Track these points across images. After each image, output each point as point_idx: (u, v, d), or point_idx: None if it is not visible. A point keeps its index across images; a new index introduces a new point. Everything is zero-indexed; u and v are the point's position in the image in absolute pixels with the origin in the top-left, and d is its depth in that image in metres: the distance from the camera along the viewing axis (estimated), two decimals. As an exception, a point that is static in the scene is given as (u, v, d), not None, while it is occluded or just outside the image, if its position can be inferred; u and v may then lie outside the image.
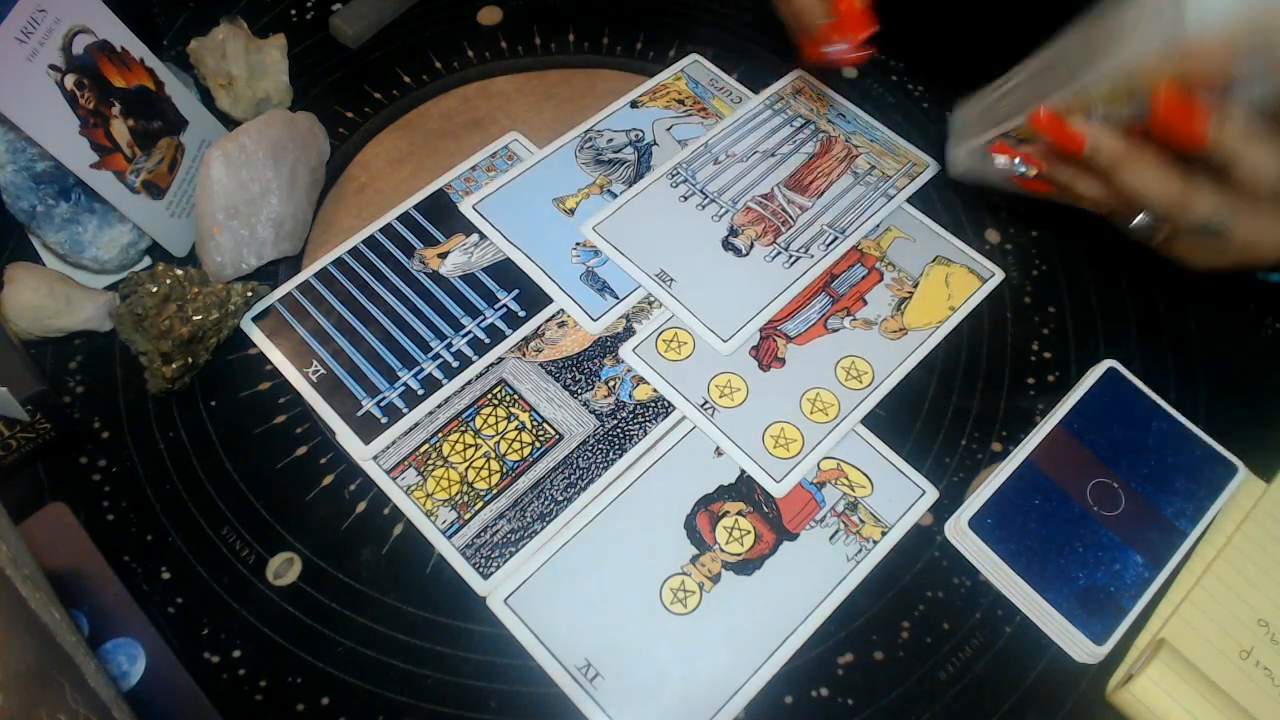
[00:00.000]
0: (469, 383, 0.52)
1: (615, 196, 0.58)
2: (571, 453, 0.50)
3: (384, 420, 0.50)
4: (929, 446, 0.51)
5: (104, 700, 0.33)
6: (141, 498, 0.49)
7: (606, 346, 0.53)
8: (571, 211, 0.58)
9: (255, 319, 0.54)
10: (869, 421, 0.52)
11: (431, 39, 0.65)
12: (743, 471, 0.50)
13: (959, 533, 0.48)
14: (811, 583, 0.47)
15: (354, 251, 0.56)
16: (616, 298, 0.55)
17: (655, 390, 0.52)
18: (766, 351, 0.53)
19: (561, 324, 0.54)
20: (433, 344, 0.53)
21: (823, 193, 0.59)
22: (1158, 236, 0.46)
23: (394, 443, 0.50)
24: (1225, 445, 0.51)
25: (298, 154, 0.55)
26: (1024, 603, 0.47)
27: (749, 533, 0.48)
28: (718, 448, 0.50)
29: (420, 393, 0.51)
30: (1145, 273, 0.56)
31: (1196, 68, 0.40)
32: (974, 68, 0.50)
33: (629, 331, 0.54)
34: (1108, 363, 0.53)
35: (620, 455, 0.50)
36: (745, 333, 0.54)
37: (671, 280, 0.55)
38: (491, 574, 0.47)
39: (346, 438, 0.50)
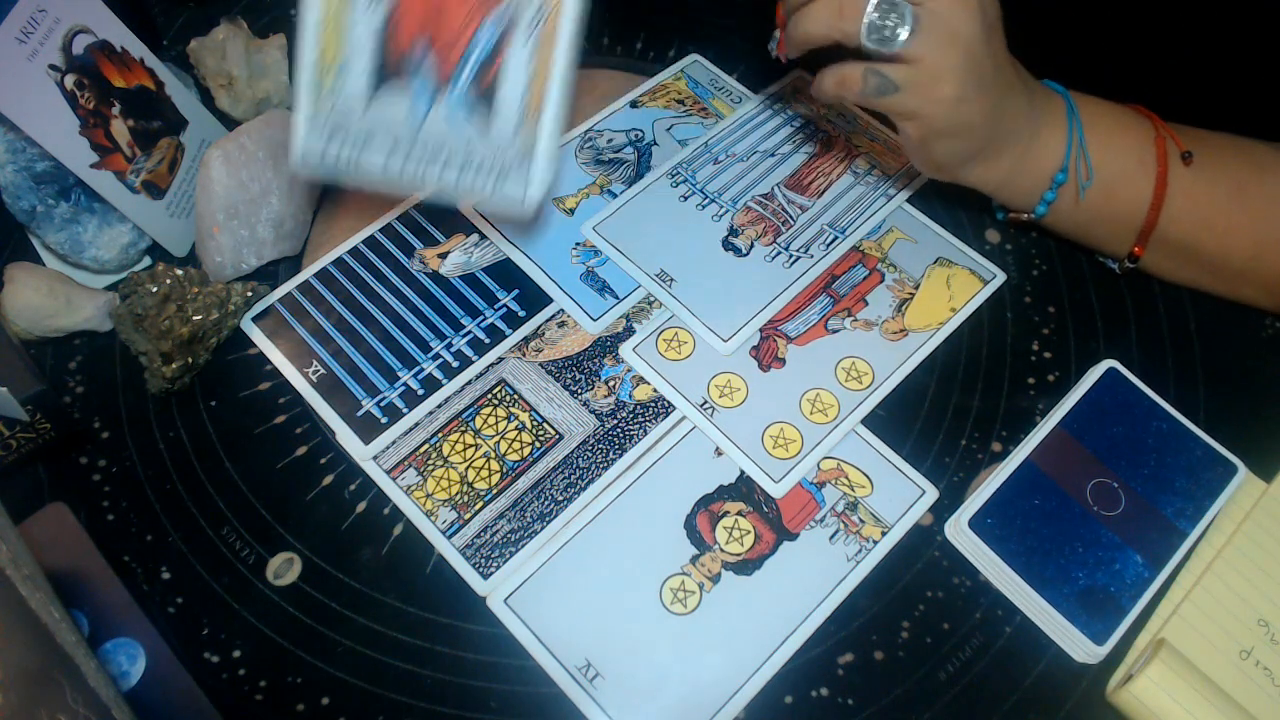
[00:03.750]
0: (469, 383, 0.52)
1: (615, 196, 0.58)
2: (571, 453, 0.50)
3: (384, 420, 0.50)
4: (929, 446, 0.51)
5: (104, 700, 0.33)
6: (141, 498, 0.49)
7: (606, 346, 0.53)
8: (571, 211, 0.58)
9: (255, 319, 0.54)
10: (869, 421, 0.52)
11: (431, 39, 0.65)
12: (742, 471, 0.50)
13: (959, 533, 0.48)
14: (811, 583, 0.47)
15: (354, 251, 0.56)
16: (617, 298, 0.55)
17: (655, 390, 0.52)
18: (767, 352, 0.53)
19: (561, 324, 0.54)
20: (433, 344, 0.53)
21: (823, 192, 0.59)
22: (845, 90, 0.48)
23: (394, 443, 0.50)
24: (1225, 445, 0.51)
25: (298, 154, 0.55)
26: (1024, 603, 0.47)
27: (749, 533, 0.48)
28: (717, 448, 0.50)
29: (420, 393, 0.51)
30: (1145, 273, 0.56)
31: None
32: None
33: (629, 331, 0.54)
34: (1108, 363, 0.53)
35: (620, 455, 0.50)
36: (745, 333, 0.53)
37: (671, 280, 0.55)
38: (491, 574, 0.47)
39: (347, 438, 0.50)
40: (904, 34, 0.44)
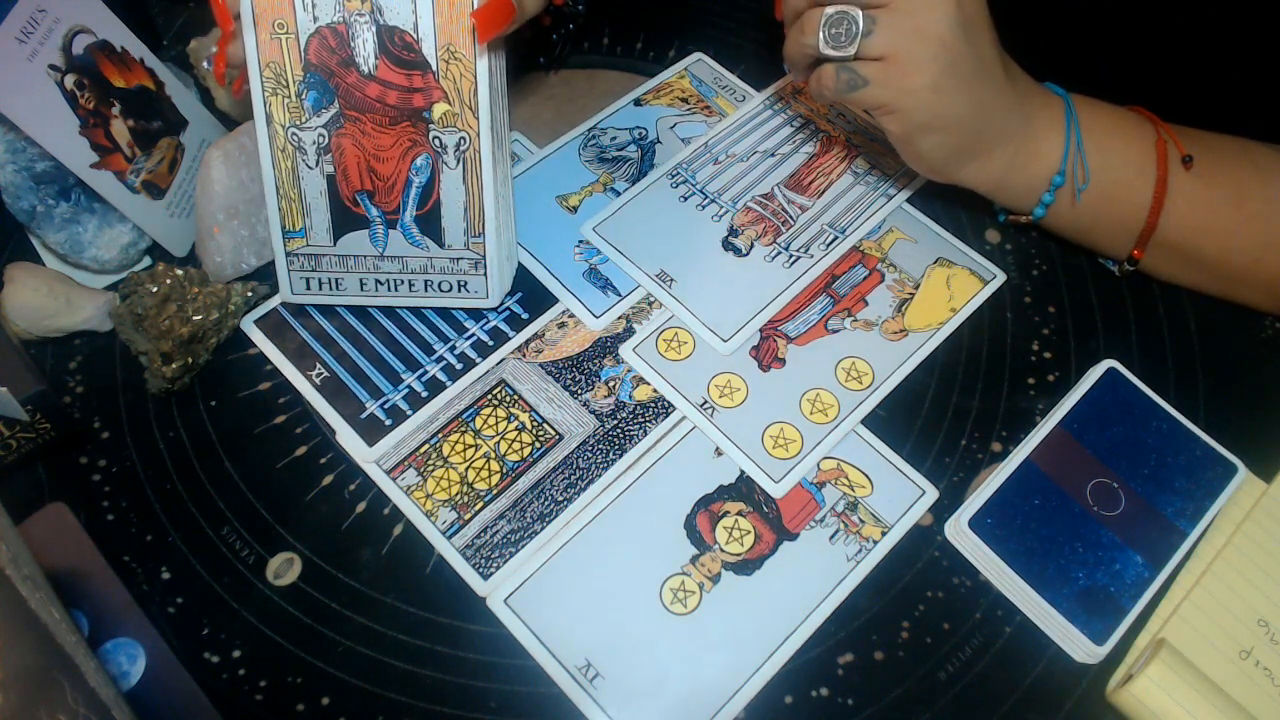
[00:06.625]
0: (472, 384, 0.52)
1: (619, 194, 0.58)
2: (571, 453, 0.50)
3: (388, 423, 0.50)
4: (929, 446, 0.51)
5: (104, 700, 0.33)
6: (141, 498, 0.49)
7: (606, 347, 0.53)
8: (575, 209, 0.58)
9: (256, 320, 0.54)
10: (869, 421, 0.52)
11: (431, 39, 0.65)
12: (743, 471, 0.50)
13: (959, 533, 0.48)
14: (811, 583, 0.47)
15: (354, 251, 0.56)
16: (619, 295, 0.55)
17: (655, 390, 0.52)
18: (767, 352, 0.53)
19: (561, 325, 0.54)
20: (436, 347, 0.53)
21: (823, 192, 0.59)
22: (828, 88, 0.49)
23: (397, 444, 0.50)
24: (1225, 445, 0.51)
25: (298, 154, 0.55)
26: (1024, 603, 0.47)
27: (749, 533, 0.48)
28: (717, 448, 0.50)
29: (424, 395, 0.51)
30: (1145, 274, 0.56)
31: None
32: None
33: (629, 332, 0.54)
34: (1108, 363, 0.53)
35: (620, 455, 0.50)
36: (745, 333, 0.53)
37: (672, 280, 0.55)
38: (491, 574, 0.47)
39: (350, 440, 0.50)
40: (857, 38, 0.47)
